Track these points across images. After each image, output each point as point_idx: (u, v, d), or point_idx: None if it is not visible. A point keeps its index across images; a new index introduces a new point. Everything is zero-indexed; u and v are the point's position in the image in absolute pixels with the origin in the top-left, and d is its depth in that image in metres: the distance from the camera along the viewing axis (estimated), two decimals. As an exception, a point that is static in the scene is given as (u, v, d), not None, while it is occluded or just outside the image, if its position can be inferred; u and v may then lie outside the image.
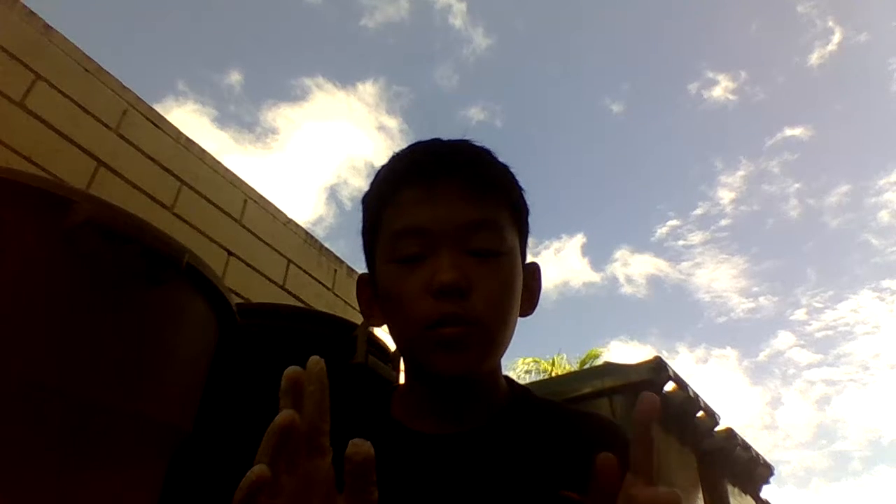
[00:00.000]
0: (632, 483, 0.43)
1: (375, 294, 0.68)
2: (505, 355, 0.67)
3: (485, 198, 0.63)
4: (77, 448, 0.79)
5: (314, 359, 0.44)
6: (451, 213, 0.61)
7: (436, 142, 0.69)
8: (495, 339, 0.61)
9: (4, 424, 0.73)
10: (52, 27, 1.75)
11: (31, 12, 1.71)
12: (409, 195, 0.63)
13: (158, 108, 1.96)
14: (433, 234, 0.60)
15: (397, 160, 0.69)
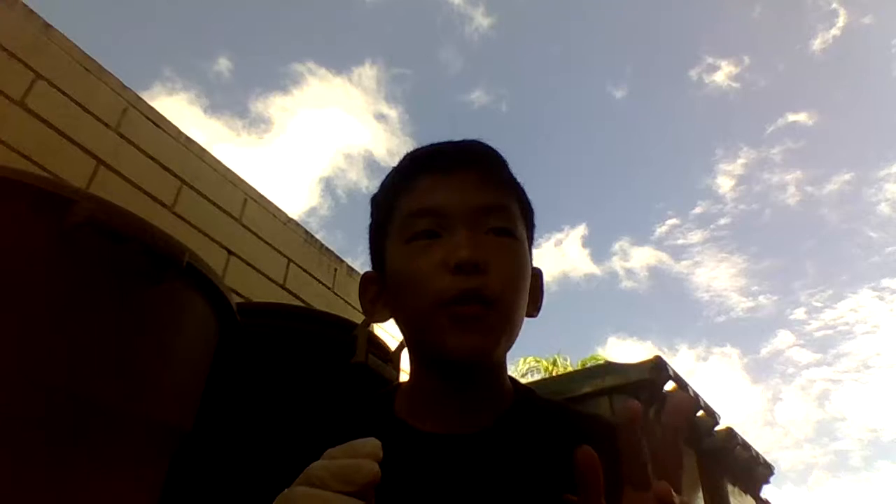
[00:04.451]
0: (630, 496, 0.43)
1: (381, 289, 0.68)
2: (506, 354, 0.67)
3: (498, 188, 0.66)
4: (77, 448, 0.79)
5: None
6: (467, 197, 0.63)
7: (451, 140, 0.70)
8: (510, 319, 0.62)
9: (4, 424, 0.73)
10: (52, 26, 1.75)
11: (31, 11, 1.71)
12: (426, 182, 0.65)
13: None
14: (449, 215, 0.62)
15: (411, 155, 0.70)
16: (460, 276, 0.58)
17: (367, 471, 0.42)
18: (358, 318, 1.38)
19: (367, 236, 0.73)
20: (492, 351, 0.61)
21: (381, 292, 0.68)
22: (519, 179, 0.70)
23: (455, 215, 0.62)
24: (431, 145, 0.70)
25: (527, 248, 0.67)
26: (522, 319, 0.65)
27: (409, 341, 0.67)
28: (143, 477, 0.90)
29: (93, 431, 0.81)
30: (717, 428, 2.20)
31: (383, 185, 0.72)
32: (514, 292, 0.62)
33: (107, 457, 0.83)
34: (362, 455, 0.43)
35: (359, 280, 0.73)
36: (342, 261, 2.60)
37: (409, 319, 0.64)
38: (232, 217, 2.13)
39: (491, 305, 0.59)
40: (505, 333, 0.62)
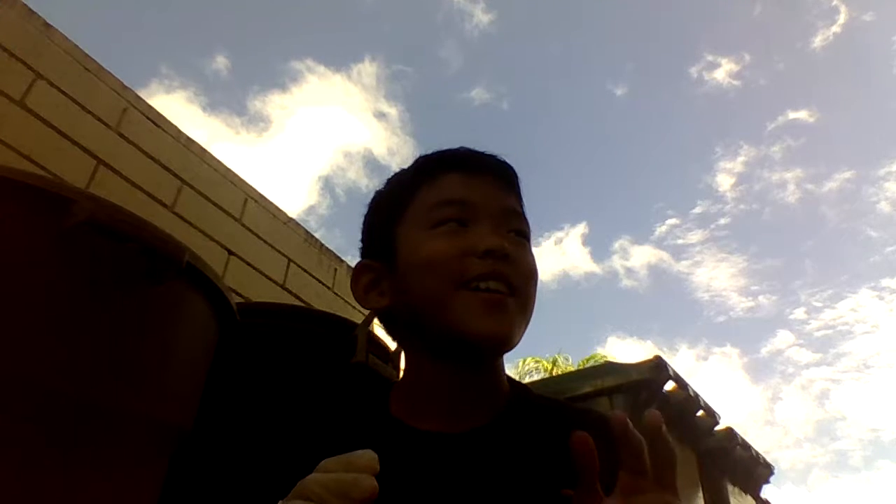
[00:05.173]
0: (627, 481, 0.44)
1: (379, 276, 0.68)
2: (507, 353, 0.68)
3: (515, 195, 0.70)
4: (76, 448, 0.79)
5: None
6: (494, 198, 0.66)
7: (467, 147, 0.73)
8: (527, 312, 0.64)
9: (4, 424, 0.73)
10: (52, 26, 1.75)
11: (31, 11, 1.71)
12: (451, 177, 0.67)
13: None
14: (476, 207, 0.64)
15: (434, 154, 0.72)
16: (488, 260, 0.60)
17: (366, 486, 0.41)
18: (358, 318, 1.38)
19: (361, 226, 0.74)
20: (512, 337, 0.62)
21: (378, 280, 0.69)
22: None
23: (482, 210, 0.64)
24: (454, 148, 0.72)
25: None
26: (531, 318, 0.66)
27: (417, 328, 0.66)
28: (142, 477, 0.90)
29: (92, 432, 0.81)
30: (717, 428, 2.20)
31: (396, 180, 0.73)
32: (532, 289, 0.64)
33: (106, 457, 0.83)
34: (359, 468, 0.43)
35: None
36: (342, 261, 2.60)
37: (425, 301, 0.63)
38: (232, 217, 2.13)
39: (514, 292, 0.61)
40: (523, 323, 0.63)
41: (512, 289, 0.61)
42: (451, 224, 0.63)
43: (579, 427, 0.66)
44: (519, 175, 0.72)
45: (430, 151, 0.73)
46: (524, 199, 0.73)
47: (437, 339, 0.63)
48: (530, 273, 0.64)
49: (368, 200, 0.76)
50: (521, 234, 0.66)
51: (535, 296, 0.65)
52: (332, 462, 0.44)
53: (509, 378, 0.71)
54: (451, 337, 0.61)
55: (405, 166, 0.76)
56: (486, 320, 0.59)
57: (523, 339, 0.64)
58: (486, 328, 0.59)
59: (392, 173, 0.77)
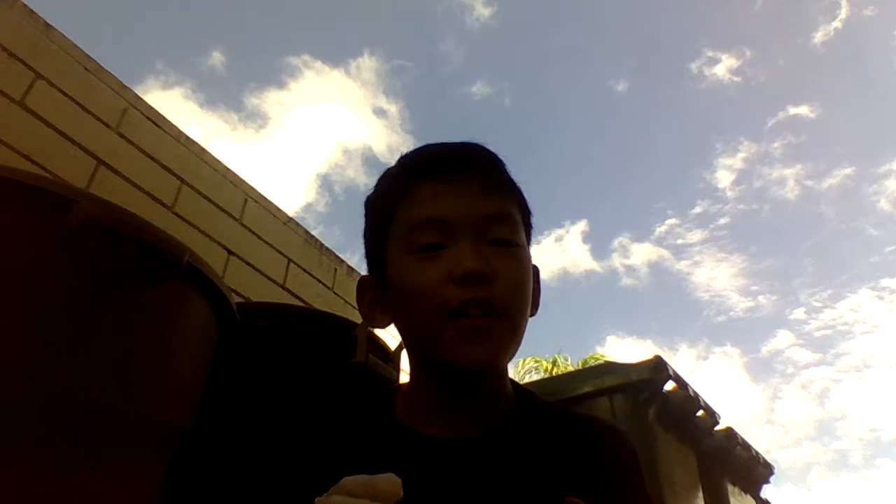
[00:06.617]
0: None
1: (379, 294, 0.68)
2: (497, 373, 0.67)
3: (500, 194, 0.66)
4: (77, 448, 0.79)
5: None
6: (471, 206, 0.62)
7: (447, 143, 0.70)
8: (516, 328, 0.62)
9: (4, 424, 0.73)
10: (52, 26, 1.75)
11: (31, 11, 1.71)
12: (427, 189, 0.64)
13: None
14: (453, 225, 0.61)
15: (409, 159, 0.70)
16: (467, 287, 0.58)
17: None
18: (358, 317, 1.38)
19: (362, 239, 0.73)
20: (499, 361, 0.62)
21: (379, 297, 0.68)
22: (516, 179, 0.70)
23: (459, 225, 0.61)
24: (428, 149, 0.70)
25: (528, 252, 0.67)
26: (526, 325, 0.65)
27: (412, 350, 0.67)
28: (143, 477, 0.90)
29: (92, 431, 0.81)
30: (717, 428, 2.20)
31: (380, 190, 0.71)
32: (520, 301, 0.62)
33: (107, 457, 0.83)
34: (382, 493, 0.43)
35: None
36: (342, 261, 2.60)
37: (414, 331, 0.64)
38: (232, 217, 2.14)
39: (499, 315, 0.59)
40: (512, 342, 0.62)
41: (495, 310, 0.59)
42: (429, 247, 0.61)
43: (584, 434, 0.66)
44: (501, 161, 0.68)
45: (413, 149, 0.71)
46: (516, 185, 0.69)
47: (430, 364, 0.64)
48: (516, 284, 0.62)
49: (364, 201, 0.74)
50: (505, 243, 0.63)
51: (525, 304, 0.63)
52: (353, 484, 0.44)
53: (514, 382, 0.70)
54: (441, 365, 0.62)
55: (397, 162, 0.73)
56: (469, 349, 0.58)
57: (523, 339, 0.64)
58: (470, 357, 0.58)
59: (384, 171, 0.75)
